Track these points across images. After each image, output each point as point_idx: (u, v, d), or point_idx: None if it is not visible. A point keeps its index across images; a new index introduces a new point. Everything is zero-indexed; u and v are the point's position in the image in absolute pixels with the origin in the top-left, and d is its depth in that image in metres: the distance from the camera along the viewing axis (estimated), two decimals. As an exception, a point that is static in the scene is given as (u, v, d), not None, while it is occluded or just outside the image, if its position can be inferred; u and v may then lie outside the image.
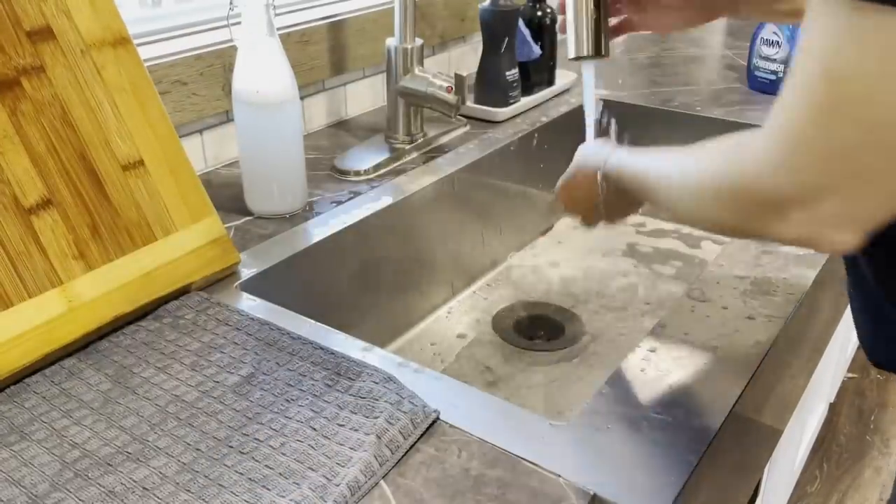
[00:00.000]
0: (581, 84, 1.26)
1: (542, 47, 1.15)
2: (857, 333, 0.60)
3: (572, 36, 0.71)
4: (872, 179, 0.39)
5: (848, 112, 0.38)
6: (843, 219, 0.41)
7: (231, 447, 0.52)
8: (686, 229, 1.15)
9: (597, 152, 0.65)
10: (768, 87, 1.18)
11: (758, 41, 1.20)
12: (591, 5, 0.70)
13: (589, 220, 0.72)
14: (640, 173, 0.59)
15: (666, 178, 0.55)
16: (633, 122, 1.17)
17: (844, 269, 0.59)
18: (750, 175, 0.43)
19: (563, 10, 0.72)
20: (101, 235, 0.64)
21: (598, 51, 0.71)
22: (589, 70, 0.73)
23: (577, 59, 0.71)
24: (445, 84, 0.95)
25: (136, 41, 0.70)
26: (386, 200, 0.87)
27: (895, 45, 0.36)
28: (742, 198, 0.44)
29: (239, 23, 0.78)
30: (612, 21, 0.74)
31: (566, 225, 1.21)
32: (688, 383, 0.58)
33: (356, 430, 0.52)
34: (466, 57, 1.31)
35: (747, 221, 0.45)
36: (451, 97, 0.95)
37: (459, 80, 0.94)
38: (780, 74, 1.15)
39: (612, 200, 0.65)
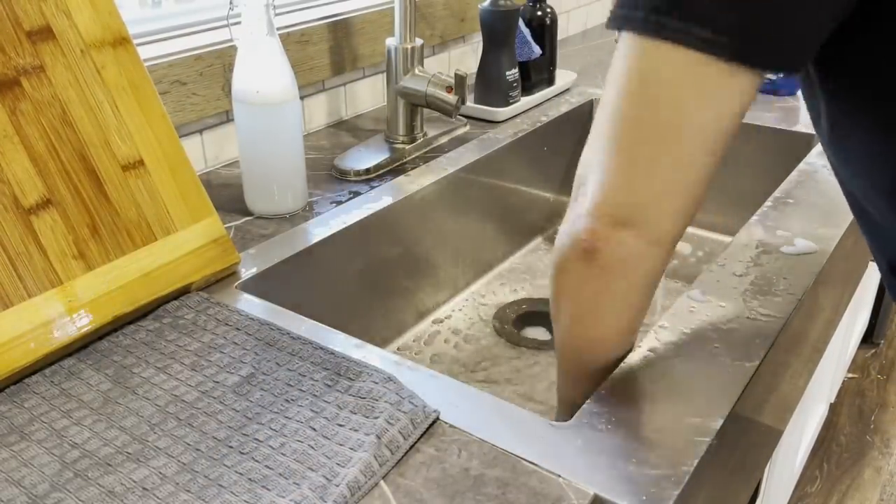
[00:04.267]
0: (582, 84, 1.26)
1: (542, 47, 1.15)
2: None
3: None
4: (651, 183, 0.48)
5: (636, 122, 0.47)
6: (626, 209, 0.48)
7: (231, 447, 0.52)
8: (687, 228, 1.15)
9: None
10: (768, 87, 1.18)
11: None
12: None
13: None
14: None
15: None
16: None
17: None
18: (570, 211, 0.52)
19: None
20: (101, 235, 0.64)
21: None
22: None
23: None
24: (445, 84, 0.95)
25: (136, 41, 0.70)
26: (386, 200, 0.87)
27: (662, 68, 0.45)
28: (564, 229, 0.52)
29: (239, 23, 0.78)
30: None
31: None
32: (688, 383, 0.58)
33: (356, 431, 0.52)
34: (466, 57, 1.31)
35: (568, 235, 0.52)
36: (451, 97, 0.95)
37: (459, 80, 0.94)
38: (779, 74, 1.15)
39: None
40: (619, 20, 0.46)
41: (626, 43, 0.46)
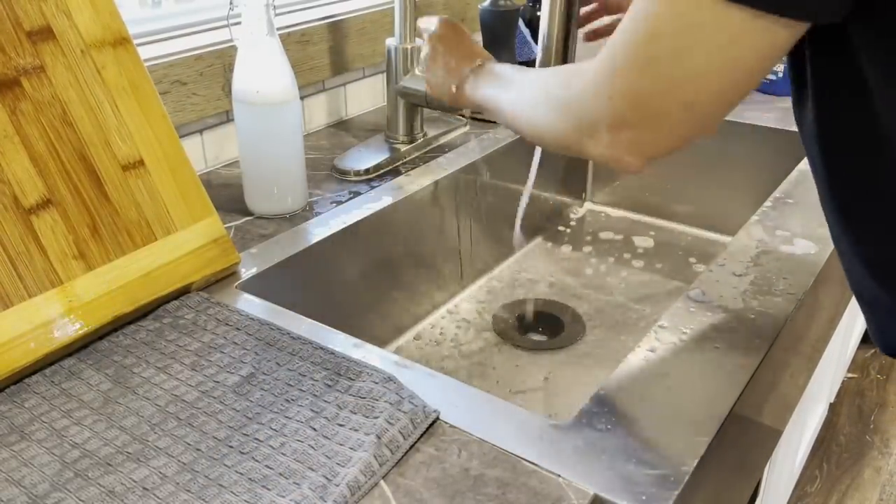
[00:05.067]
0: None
1: (541, 47, 1.15)
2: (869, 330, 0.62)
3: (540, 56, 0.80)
4: (661, 122, 0.49)
5: (655, 68, 0.47)
6: (635, 146, 0.51)
7: (231, 447, 0.52)
8: (687, 228, 1.15)
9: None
10: (768, 88, 1.18)
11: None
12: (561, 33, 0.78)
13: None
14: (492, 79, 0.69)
15: (511, 84, 0.65)
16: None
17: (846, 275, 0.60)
18: (577, 93, 0.53)
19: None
20: (101, 235, 0.64)
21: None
22: None
23: None
24: (445, 84, 0.95)
25: (136, 41, 0.70)
26: (386, 200, 0.87)
27: (694, 13, 0.44)
28: (568, 110, 0.55)
29: (239, 23, 0.78)
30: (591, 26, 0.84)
31: (565, 226, 1.21)
32: (688, 383, 0.58)
33: (356, 430, 0.52)
34: (466, 57, 1.31)
35: (567, 133, 0.56)
36: (451, 97, 0.95)
37: (459, 80, 0.94)
38: (780, 74, 1.15)
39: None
40: None
41: None
